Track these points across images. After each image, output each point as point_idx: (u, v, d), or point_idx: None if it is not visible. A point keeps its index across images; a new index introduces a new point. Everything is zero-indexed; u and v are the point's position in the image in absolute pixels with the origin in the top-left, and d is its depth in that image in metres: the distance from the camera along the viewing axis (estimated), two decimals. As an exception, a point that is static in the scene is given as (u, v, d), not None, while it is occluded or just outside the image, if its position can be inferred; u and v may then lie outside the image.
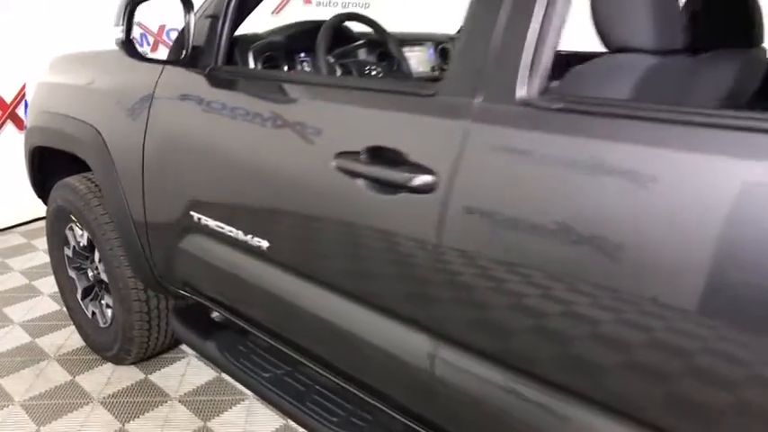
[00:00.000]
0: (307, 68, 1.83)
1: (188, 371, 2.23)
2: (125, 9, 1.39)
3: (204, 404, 2.04)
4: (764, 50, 1.75)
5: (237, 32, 1.63)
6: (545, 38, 0.94)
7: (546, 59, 0.93)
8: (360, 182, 1.14)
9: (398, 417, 1.27)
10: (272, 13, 4.40)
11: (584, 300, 0.88)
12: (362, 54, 1.93)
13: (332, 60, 1.79)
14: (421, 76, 2.08)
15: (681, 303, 0.79)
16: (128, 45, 1.44)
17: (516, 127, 0.95)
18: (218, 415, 1.99)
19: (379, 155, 1.10)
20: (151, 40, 4.04)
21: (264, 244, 1.39)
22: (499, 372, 1.03)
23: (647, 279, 0.81)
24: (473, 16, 1.04)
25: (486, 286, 1.00)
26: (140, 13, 1.49)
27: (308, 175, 1.24)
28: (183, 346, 2.34)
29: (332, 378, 1.40)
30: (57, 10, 3.36)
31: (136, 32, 4.03)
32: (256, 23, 2.03)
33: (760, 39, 1.68)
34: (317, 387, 1.49)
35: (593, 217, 0.85)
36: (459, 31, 1.36)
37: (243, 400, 2.05)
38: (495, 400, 1.05)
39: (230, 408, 2.02)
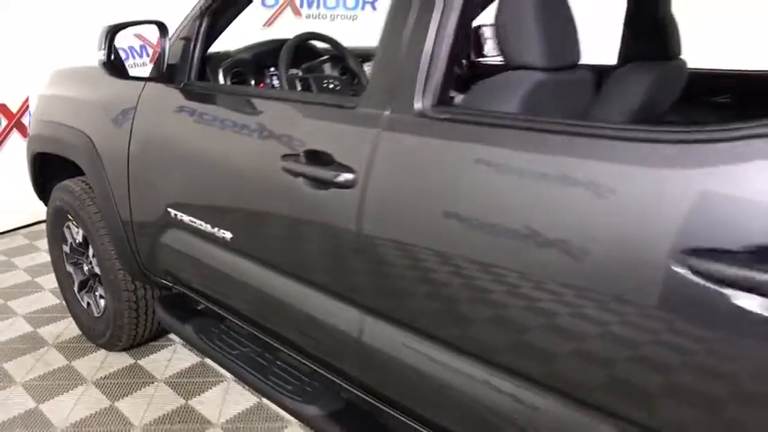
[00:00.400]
0: (275, 82, 2.05)
1: (174, 356, 2.44)
2: (106, 36, 1.62)
3: (186, 385, 2.25)
4: (683, 62, 1.94)
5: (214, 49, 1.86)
6: (436, 60, 1.15)
7: (437, 77, 1.15)
8: (300, 179, 1.35)
9: (339, 381, 1.48)
10: (264, 25, 4.62)
11: (468, 272, 1.09)
12: (328, 68, 2.15)
13: (300, 74, 2.01)
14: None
15: (549, 278, 0.99)
16: (109, 66, 1.67)
17: (413, 133, 1.16)
18: (198, 395, 2.20)
19: (315, 157, 1.32)
20: (150, 51, 4.28)
21: (228, 235, 1.61)
22: (414, 338, 1.24)
23: (508, 251, 1.02)
24: (382, 42, 1.26)
25: (396, 264, 1.21)
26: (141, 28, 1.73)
27: (261, 174, 1.46)
28: (171, 335, 2.56)
29: (285, 350, 1.62)
30: (61, 23, 3.59)
31: (136, 44, 4.29)
32: (248, 35, 2.26)
33: (677, 51, 1.87)
34: (278, 362, 1.71)
35: (467, 203, 1.07)
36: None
37: (221, 382, 2.27)
38: (410, 361, 1.26)
39: (210, 388, 2.24)
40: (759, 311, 0.76)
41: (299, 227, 1.40)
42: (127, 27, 1.66)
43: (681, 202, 0.84)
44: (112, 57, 1.65)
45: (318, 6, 4.92)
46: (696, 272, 0.81)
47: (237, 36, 2.23)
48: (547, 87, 1.27)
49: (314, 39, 2.01)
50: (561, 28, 1.34)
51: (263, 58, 1.97)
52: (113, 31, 1.62)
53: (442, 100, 1.17)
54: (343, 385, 1.48)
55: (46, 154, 2.39)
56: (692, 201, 0.83)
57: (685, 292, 0.82)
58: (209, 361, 2.39)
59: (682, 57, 1.91)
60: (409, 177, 1.16)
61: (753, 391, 0.80)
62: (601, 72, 1.76)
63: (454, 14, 1.16)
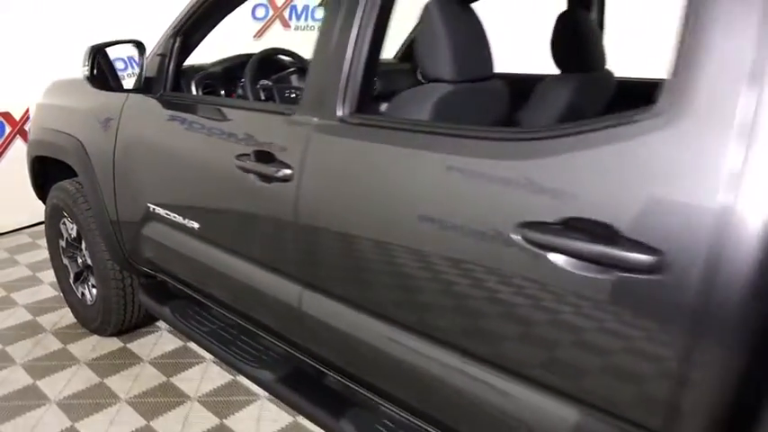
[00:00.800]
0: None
1: (159, 341, 2.70)
2: (90, 54, 1.88)
3: (169, 365, 2.50)
4: (609, 73, 2.16)
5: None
6: (355, 75, 1.40)
7: (355, 89, 1.40)
8: (251, 175, 1.60)
9: (287, 348, 1.72)
10: (254, 37, 4.88)
11: (378, 248, 1.34)
12: (295, 80, 2.40)
13: (270, 84, 2.26)
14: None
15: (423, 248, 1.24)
16: (92, 79, 1.93)
17: (335, 136, 1.41)
18: (179, 373, 2.45)
19: (261, 156, 1.57)
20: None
21: (196, 225, 1.86)
22: (344, 307, 1.48)
23: (403, 228, 1.27)
24: (313, 58, 1.51)
25: (327, 245, 1.46)
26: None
27: (220, 171, 1.71)
28: (158, 323, 2.81)
29: (245, 324, 1.87)
30: (63, 34, 3.82)
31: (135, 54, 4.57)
32: (240, 46, 2.51)
33: (602, 62, 2.10)
34: (241, 336, 1.95)
35: (374, 191, 1.32)
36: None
37: (201, 362, 2.52)
38: (342, 327, 1.50)
39: (190, 368, 2.49)
40: (565, 266, 1.01)
41: (251, 216, 1.65)
42: (108, 46, 1.91)
43: (518, 187, 1.08)
44: (95, 72, 1.90)
45: (306, 18, 5.14)
46: (527, 239, 1.05)
47: (230, 47, 2.51)
48: (457, 97, 1.52)
49: (277, 54, 2.26)
50: (471, 45, 1.58)
51: (233, 70, 2.22)
52: (96, 49, 1.89)
53: (360, 108, 1.41)
54: (291, 351, 1.72)
55: (44, 157, 2.65)
56: (524, 185, 1.07)
57: (520, 254, 1.07)
58: (191, 344, 2.64)
59: (607, 68, 2.13)
60: (332, 173, 1.41)
61: (566, 322, 1.04)
62: (535, 81, 2.00)
63: (369, 36, 1.40)
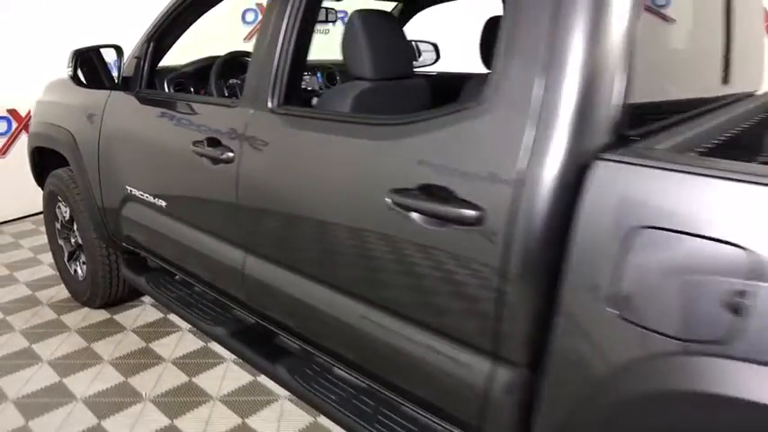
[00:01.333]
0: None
1: (142, 313, 3.00)
2: (72, 58, 2.19)
3: (149, 333, 2.81)
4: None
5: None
6: (283, 71, 1.69)
7: (284, 84, 1.68)
8: (204, 159, 1.89)
9: (237, 308, 2.02)
10: (244, 39, 5.19)
11: (297, 216, 1.63)
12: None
13: (236, 83, 2.56)
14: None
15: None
16: (75, 79, 2.24)
17: (265, 125, 1.70)
18: (158, 339, 2.75)
19: (211, 142, 1.86)
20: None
21: (163, 203, 2.16)
22: (274, 266, 1.77)
23: (308, 198, 1.56)
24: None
25: (261, 216, 1.75)
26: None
27: (180, 156, 2.01)
28: (143, 297, 3.12)
29: (204, 289, 2.17)
30: (64, 33, 4.13)
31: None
32: (232, 47, 2.81)
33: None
34: (204, 300, 2.25)
35: (294, 170, 1.61)
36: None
37: (179, 331, 2.82)
38: (274, 283, 1.78)
39: (168, 335, 2.79)
40: (421, 223, 1.29)
41: (204, 193, 1.95)
42: (91, 50, 2.22)
43: (388, 161, 1.37)
44: (77, 72, 2.21)
45: None
46: (395, 202, 1.34)
47: (223, 47, 2.81)
48: (375, 92, 1.80)
49: (240, 56, 2.56)
50: (389, 48, 1.87)
51: (202, 70, 2.52)
52: (78, 53, 2.20)
53: (287, 101, 1.70)
54: (239, 310, 2.02)
55: (42, 148, 2.97)
56: (393, 160, 1.36)
57: (392, 214, 1.35)
58: (170, 315, 2.94)
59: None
60: (263, 155, 1.70)
61: (424, 265, 1.32)
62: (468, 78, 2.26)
63: (294, 40, 1.69)
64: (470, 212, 1.20)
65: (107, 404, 2.28)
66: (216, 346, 2.66)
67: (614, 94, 1.11)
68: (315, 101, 2.17)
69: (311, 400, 1.73)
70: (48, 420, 2.19)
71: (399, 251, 1.38)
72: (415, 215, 1.31)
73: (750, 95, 1.91)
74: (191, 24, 2.29)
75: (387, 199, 1.35)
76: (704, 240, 0.91)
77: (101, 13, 4.29)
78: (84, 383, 2.42)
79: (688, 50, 1.56)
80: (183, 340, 2.76)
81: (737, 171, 0.92)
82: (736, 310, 0.87)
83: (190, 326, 2.81)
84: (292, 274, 1.70)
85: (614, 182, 1.03)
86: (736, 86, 1.77)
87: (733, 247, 0.88)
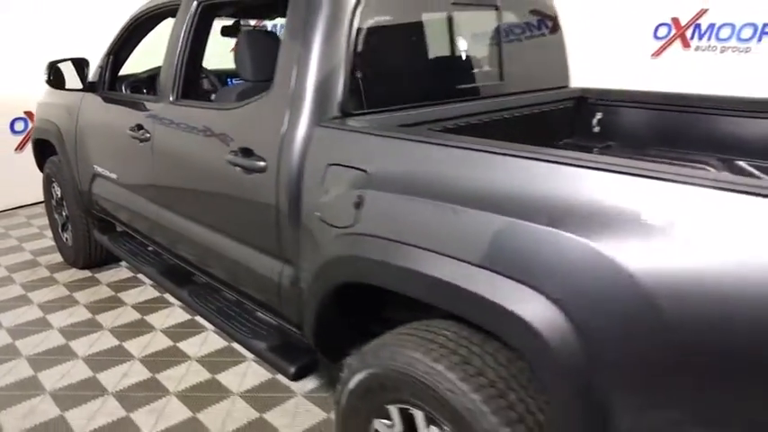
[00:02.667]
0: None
1: (117, 273, 3.73)
2: (48, 67, 2.93)
3: (121, 287, 3.52)
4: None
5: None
6: (180, 72, 2.37)
7: (181, 81, 2.36)
8: (135, 139, 2.59)
9: (163, 252, 2.71)
10: (652, 56, 5.03)
11: (180, 176, 2.30)
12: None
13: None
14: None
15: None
16: (50, 83, 2.98)
17: (167, 113, 2.37)
18: (125, 291, 3.47)
19: (138, 127, 2.56)
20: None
21: (115, 176, 2.87)
22: (171, 213, 2.45)
23: (182, 166, 2.23)
24: (162, 65, 2.49)
25: (164, 178, 2.43)
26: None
27: (121, 138, 2.69)
28: (122, 263, 3.84)
29: (141, 238, 2.87)
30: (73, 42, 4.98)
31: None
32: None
33: None
34: (142, 248, 2.96)
35: (179, 146, 2.29)
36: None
37: (144, 284, 3.53)
38: (172, 226, 2.46)
39: (134, 288, 3.50)
40: (240, 173, 1.95)
41: (136, 165, 2.64)
42: (62, 62, 2.96)
43: (226, 132, 2.03)
44: (52, 78, 2.96)
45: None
46: (228, 161, 1.99)
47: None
48: (252, 90, 2.46)
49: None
50: (264, 58, 2.53)
51: (154, 77, 3.24)
52: (51, 64, 2.95)
53: (185, 95, 2.38)
54: (165, 254, 2.71)
55: (42, 139, 3.73)
56: (228, 131, 2.02)
57: (231, 173, 2.00)
58: (140, 276, 3.66)
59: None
60: (164, 136, 2.38)
61: (243, 204, 1.97)
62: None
63: (188, 48, 2.37)
64: (260, 163, 1.85)
65: (79, 332, 3.00)
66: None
67: (338, 90, 1.74)
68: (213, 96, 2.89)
69: (201, 312, 2.39)
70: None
71: (230, 194, 2.03)
72: (237, 168, 1.96)
73: (529, 91, 2.46)
74: (140, 41, 3.01)
75: (226, 157, 2.01)
76: (354, 169, 1.55)
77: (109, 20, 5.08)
78: (63, 319, 3.14)
79: (415, 60, 2.05)
80: (143, 294, 3.46)
81: (384, 130, 1.56)
82: (357, 205, 1.50)
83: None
84: (179, 217, 2.38)
85: (322, 138, 1.68)
86: (516, 84, 2.38)
87: (360, 171, 1.52)
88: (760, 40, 4.37)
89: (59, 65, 2.96)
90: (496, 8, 2.32)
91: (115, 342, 2.89)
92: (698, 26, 4.75)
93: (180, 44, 2.39)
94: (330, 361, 1.90)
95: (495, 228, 1.23)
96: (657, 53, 4.96)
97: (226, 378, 2.57)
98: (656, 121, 2.45)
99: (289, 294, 1.89)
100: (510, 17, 2.36)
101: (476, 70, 2.24)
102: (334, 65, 1.75)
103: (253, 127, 1.92)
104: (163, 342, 2.88)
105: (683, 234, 1.01)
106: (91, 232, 3.53)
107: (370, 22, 1.81)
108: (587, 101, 2.59)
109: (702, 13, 4.75)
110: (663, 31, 4.92)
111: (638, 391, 1.08)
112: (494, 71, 2.31)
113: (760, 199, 0.95)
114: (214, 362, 2.70)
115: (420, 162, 1.45)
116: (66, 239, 3.78)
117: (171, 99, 2.39)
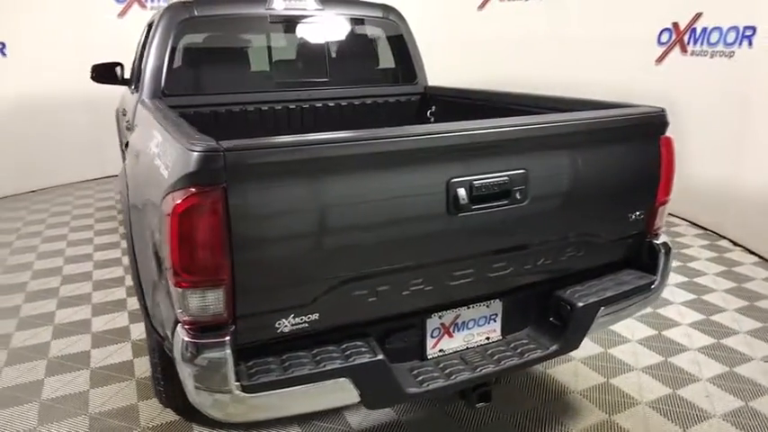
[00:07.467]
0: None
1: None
2: (92, 69, 4.27)
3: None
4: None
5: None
6: (144, 76, 3.49)
7: (155, 82, 3.46)
8: (123, 124, 3.77)
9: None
10: (655, 62, 5.23)
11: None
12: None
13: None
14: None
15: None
16: (94, 79, 4.31)
17: (142, 107, 3.49)
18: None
19: (125, 112, 3.74)
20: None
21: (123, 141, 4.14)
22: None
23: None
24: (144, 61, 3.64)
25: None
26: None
27: (122, 118, 3.91)
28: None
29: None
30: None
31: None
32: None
33: None
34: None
35: (145, 141, 3.40)
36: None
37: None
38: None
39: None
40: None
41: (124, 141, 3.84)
42: (102, 65, 4.27)
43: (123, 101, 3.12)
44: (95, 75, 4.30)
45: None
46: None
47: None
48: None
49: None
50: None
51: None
52: (94, 67, 4.27)
53: (155, 94, 3.46)
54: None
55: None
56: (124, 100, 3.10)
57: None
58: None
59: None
60: (138, 120, 3.50)
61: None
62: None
63: (157, 44, 3.48)
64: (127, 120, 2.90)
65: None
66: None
67: (162, 81, 2.75)
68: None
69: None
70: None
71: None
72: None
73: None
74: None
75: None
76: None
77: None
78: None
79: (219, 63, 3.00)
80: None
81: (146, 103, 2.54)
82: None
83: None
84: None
85: (140, 108, 2.68)
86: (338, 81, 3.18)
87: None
88: (740, 44, 4.49)
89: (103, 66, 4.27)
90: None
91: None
92: (693, 30, 4.91)
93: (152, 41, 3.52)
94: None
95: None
96: (660, 59, 5.14)
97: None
98: (471, 113, 3.05)
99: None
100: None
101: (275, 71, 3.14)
102: (157, 71, 2.76)
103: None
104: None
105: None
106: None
107: (185, 40, 2.80)
108: (426, 95, 3.25)
109: (698, 17, 4.82)
110: (665, 37, 5.10)
111: None
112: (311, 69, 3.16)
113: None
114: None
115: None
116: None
117: (143, 97, 3.39)
